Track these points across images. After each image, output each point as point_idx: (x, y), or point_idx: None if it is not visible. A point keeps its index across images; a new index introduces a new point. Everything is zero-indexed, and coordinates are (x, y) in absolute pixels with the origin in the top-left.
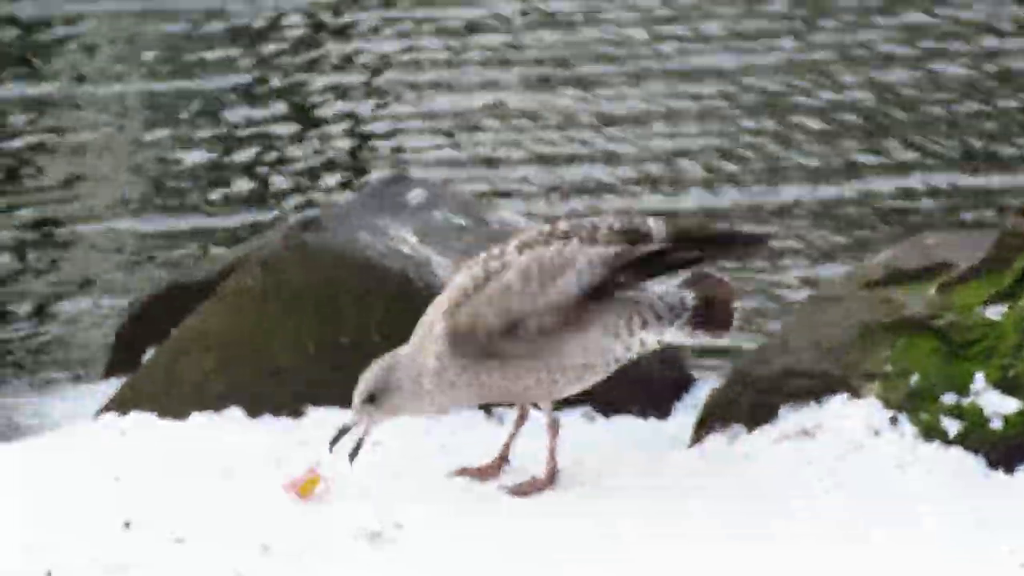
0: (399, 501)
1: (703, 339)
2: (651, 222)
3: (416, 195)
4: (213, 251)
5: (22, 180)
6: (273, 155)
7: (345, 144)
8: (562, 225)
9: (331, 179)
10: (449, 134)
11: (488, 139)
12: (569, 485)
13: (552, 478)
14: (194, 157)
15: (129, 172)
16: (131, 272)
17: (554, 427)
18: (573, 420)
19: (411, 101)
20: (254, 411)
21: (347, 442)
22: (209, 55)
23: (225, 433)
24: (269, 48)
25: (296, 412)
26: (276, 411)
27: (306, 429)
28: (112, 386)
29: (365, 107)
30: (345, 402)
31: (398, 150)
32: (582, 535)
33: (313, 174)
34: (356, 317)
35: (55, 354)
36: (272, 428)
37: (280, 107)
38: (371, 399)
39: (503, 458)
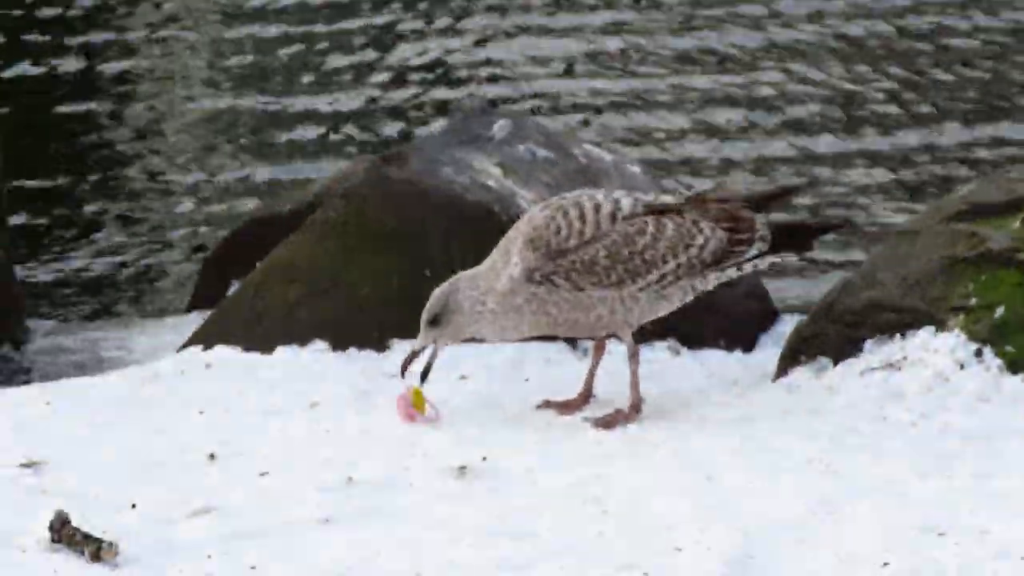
0: (485, 435)
1: (785, 259)
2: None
3: (500, 128)
4: (298, 185)
5: (112, 120)
6: (358, 92)
7: (431, 79)
8: (665, 199)
9: (416, 113)
10: (537, 72)
11: (575, 79)
12: (654, 418)
13: (637, 409)
14: (277, 98)
15: (217, 113)
16: (217, 207)
17: (635, 357)
18: (658, 354)
19: (497, 39)
20: (339, 344)
21: (417, 366)
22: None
23: (310, 366)
24: None
25: (381, 345)
26: (361, 344)
27: (391, 361)
28: (197, 320)
29: (451, 44)
30: None
31: (483, 85)
32: (667, 467)
33: (399, 109)
34: (440, 250)
35: (140, 288)
36: (357, 361)
37: (365, 46)
38: (435, 321)
39: (587, 392)
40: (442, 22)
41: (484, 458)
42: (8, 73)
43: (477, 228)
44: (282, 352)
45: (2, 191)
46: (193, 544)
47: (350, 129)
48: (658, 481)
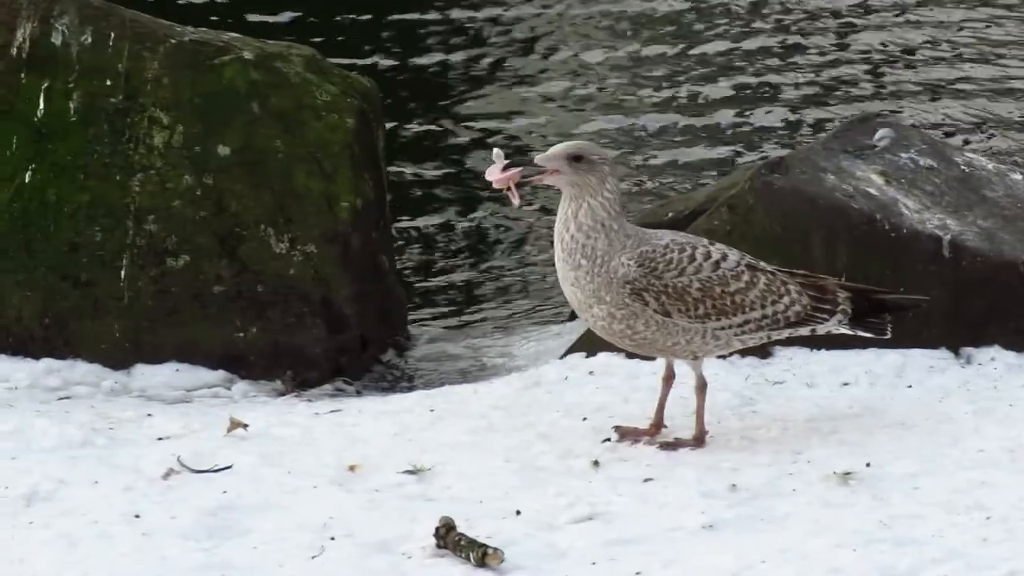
0: (868, 441)
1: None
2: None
3: (883, 136)
4: (681, 191)
5: (495, 120)
6: (743, 97)
7: (814, 85)
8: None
9: (799, 120)
10: (923, 70)
11: (955, 78)
12: None
13: (700, 441)
14: (660, 97)
15: (599, 114)
16: None
17: (703, 390)
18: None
19: (881, 39)
20: None
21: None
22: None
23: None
24: None
25: (764, 352)
26: (743, 351)
27: (776, 368)
28: (580, 326)
29: (832, 47)
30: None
31: (866, 89)
32: None
33: (782, 115)
34: (823, 259)
35: (523, 294)
36: (741, 368)
37: (759, 47)
38: (579, 159)
39: (659, 422)
40: (825, 23)
41: (868, 464)
42: (385, 64)
43: (859, 236)
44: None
45: (385, 199)
46: (577, 550)
47: (735, 136)
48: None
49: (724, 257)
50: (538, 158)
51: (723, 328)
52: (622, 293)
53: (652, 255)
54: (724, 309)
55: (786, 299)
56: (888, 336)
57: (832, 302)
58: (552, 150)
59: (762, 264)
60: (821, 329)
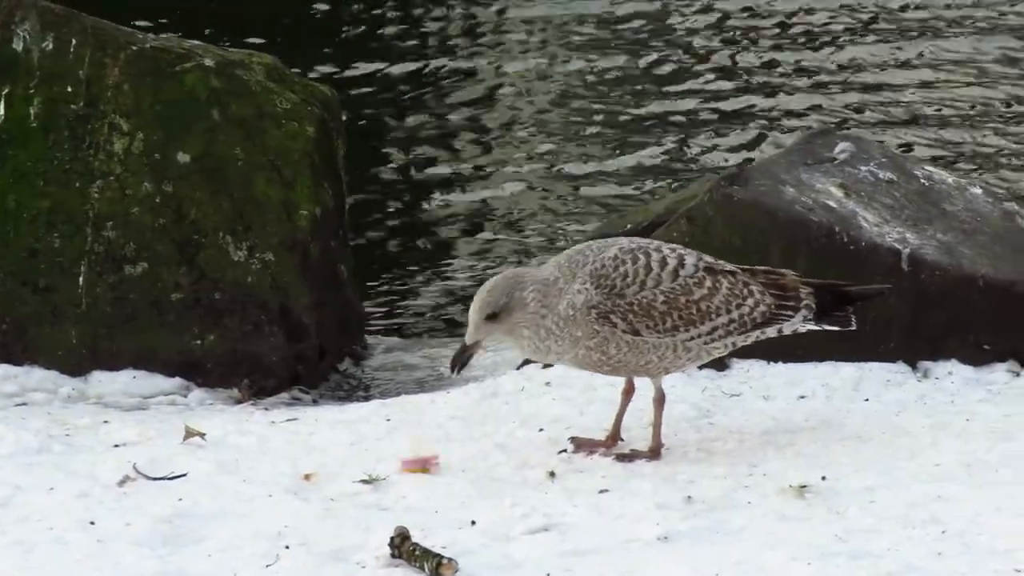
0: (824, 454)
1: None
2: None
3: (843, 149)
4: (639, 204)
5: (451, 132)
6: (700, 110)
7: (772, 98)
8: (723, 264)
9: (757, 133)
10: (876, 88)
11: (914, 95)
12: (994, 439)
13: (656, 453)
14: (616, 115)
15: (557, 128)
16: (555, 225)
17: (661, 402)
18: (997, 375)
19: (836, 56)
20: None
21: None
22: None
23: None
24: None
25: (721, 364)
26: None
27: (731, 380)
28: None
29: (794, 61)
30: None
31: (825, 103)
32: (1008, 489)
33: (739, 128)
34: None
35: None
36: (698, 380)
37: (708, 63)
38: (494, 316)
39: (615, 434)
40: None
41: (823, 477)
42: (346, 76)
43: (818, 248)
44: None
45: (345, 208)
46: (532, 561)
47: (691, 148)
48: (999, 503)
49: (681, 262)
50: (467, 338)
51: (692, 339)
52: (589, 321)
53: (604, 272)
54: (691, 319)
55: (750, 300)
56: (854, 328)
57: (795, 299)
58: (471, 322)
59: (720, 263)
60: (787, 328)
